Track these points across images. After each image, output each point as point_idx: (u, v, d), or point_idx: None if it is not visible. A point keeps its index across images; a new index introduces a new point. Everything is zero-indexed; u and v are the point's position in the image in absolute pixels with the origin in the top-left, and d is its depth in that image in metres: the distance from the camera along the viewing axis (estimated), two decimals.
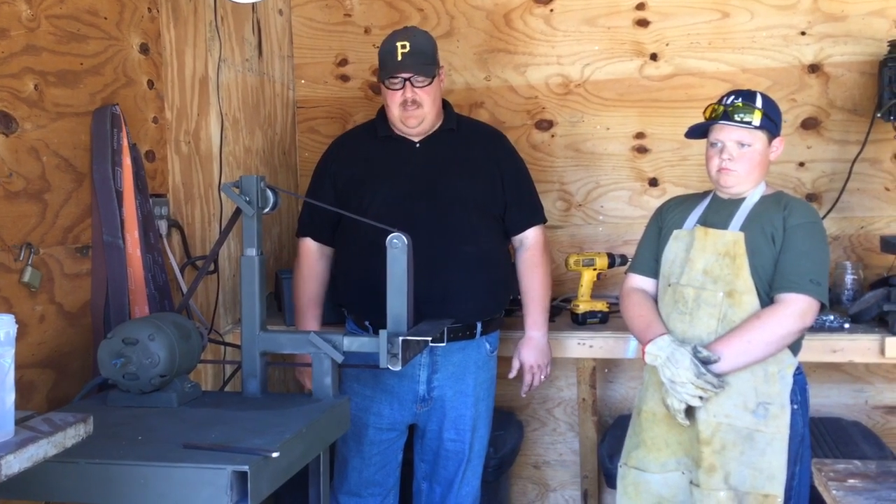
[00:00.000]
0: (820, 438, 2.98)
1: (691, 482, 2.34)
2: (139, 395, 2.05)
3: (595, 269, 3.04)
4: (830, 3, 3.22)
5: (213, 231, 2.92)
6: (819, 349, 2.67)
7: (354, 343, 2.16)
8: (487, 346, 2.72)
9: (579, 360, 3.30)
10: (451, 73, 3.48)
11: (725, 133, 2.35)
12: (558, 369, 3.45)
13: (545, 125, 3.48)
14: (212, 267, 2.86)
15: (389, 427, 2.68)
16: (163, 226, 2.71)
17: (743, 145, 2.35)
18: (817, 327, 2.62)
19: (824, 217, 3.00)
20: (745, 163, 2.35)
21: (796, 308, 2.26)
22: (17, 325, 1.36)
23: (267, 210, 2.23)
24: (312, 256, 2.76)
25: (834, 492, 1.67)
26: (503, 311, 2.83)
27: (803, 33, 3.25)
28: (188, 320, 2.26)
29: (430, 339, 2.18)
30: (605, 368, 3.47)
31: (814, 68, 3.25)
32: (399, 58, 2.54)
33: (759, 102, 2.35)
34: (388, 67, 2.57)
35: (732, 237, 2.33)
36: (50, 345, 2.23)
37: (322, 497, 2.09)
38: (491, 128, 2.92)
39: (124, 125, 2.47)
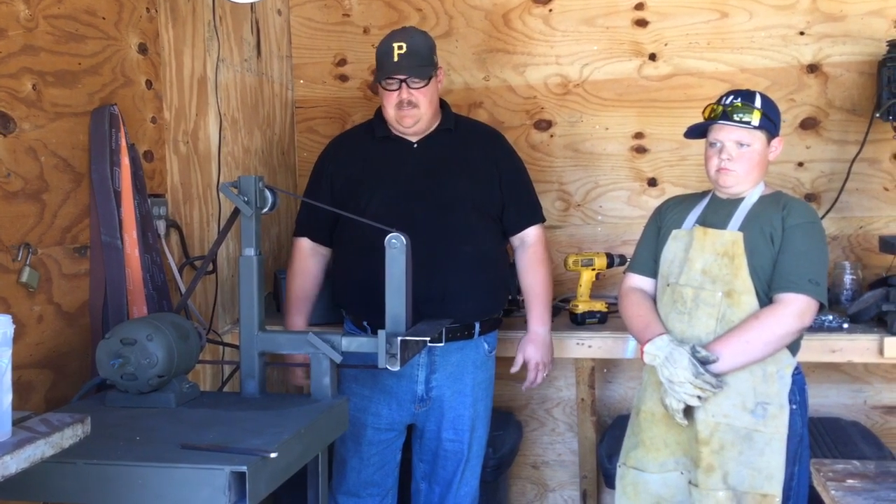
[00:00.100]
0: (819, 438, 2.98)
1: (690, 482, 2.34)
2: (137, 396, 2.05)
3: (594, 270, 3.04)
4: (829, 3, 3.22)
5: (211, 231, 2.92)
6: (818, 349, 2.67)
7: (353, 343, 2.16)
8: (486, 346, 2.72)
9: (578, 360, 3.30)
10: (449, 72, 3.48)
11: (724, 133, 2.35)
12: (557, 369, 3.45)
13: (544, 125, 3.48)
14: (210, 267, 2.86)
15: (388, 427, 2.68)
16: (161, 226, 2.71)
17: (742, 145, 2.35)
18: (816, 327, 2.62)
19: (823, 217, 3.00)
20: (744, 163, 2.35)
21: (795, 308, 2.26)
22: (14, 326, 1.36)
23: (265, 210, 2.23)
24: (305, 254, 2.77)
25: (833, 492, 1.67)
26: (501, 311, 2.83)
27: (802, 33, 3.25)
28: (186, 320, 2.26)
29: (428, 339, 2.18)
30: (603, 368, 3.47)
31: (812, 68, 3.25)
32: (395, 59, 2.54)
33: (758, 102, 2.35)
34: (384, 68, 2.57)
35: (731, 237, 2.33)
36: (48, 345, 2.23)
37: (321, 497, 2.09)
38: (489, 128, 2.92)
39: (122, 125, 2.47)
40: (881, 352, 2.66)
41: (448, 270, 2.57)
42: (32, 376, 2.17)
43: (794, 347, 2.34)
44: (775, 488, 2.25)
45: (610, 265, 3.05)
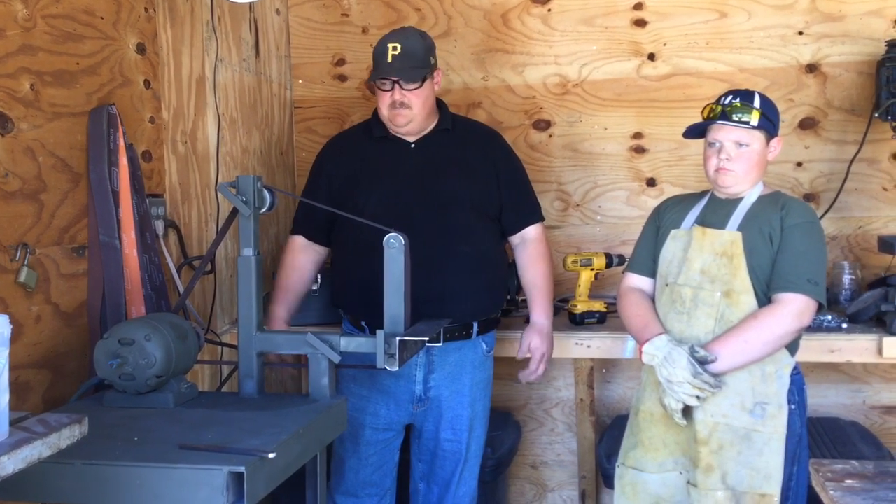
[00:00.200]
0: (818, 438, 2.98)
1: (689, 482, 2.34)
2: (135, 396, 2.05)
3: (593, 270, 3.03)
4: (828, 3, 3.22)
5: (209, 231, 2.91)
6: (817, 349, 2.67)
7: (351, 343, 2.16)
8: (484, 346, 2.72)
9: (577, 361, 3.30)
10: (448, 72, 3.47)
11: (723, 133, 2.35)
12: (556, 369, 3.45)
13: (543, 125, 3.48)
14: (208, 267, 2.85)
15: (386, 427, 2.68)
16: (159, 226, 2.70)
17: (741, 145, 2.34)
18: (815, 327, 2.62)
19: (822, 217, 3.00)
20: (742, 163, 2.35)
21: (794, 308, 2.26)
22: (12, 326, 1.35)
23: (264, 210, 2.23)
24: (297, 250, 2.78)
25: (831, 492, 1.67)
26: (500, 311, 2.82)
27: (801, 33, 3.25)
28: (185, 321, 2.26)
29: (427, 339, 2.18)
30: (602, 368, 3.47)
31: (811, 68, 3.25)
32: (389, 59, 2.54)
33: (757, 102, 2.35)
34: (378, 69, 2.58)
35: (730, 237, 2.33)
36: (46, 345, 2.23)
37: (319, 498, 2.08)
38: (487, 127, 2.92)
39: (121, 125, 2.46)
40: (880, 352, 2.66)
41: (446, 270, 2.57)
42: (30, 376, 2.17)
43: (792, 347, 2.34)
44: (774, 488, 2.25)
45: (609, 265, 3.05)
